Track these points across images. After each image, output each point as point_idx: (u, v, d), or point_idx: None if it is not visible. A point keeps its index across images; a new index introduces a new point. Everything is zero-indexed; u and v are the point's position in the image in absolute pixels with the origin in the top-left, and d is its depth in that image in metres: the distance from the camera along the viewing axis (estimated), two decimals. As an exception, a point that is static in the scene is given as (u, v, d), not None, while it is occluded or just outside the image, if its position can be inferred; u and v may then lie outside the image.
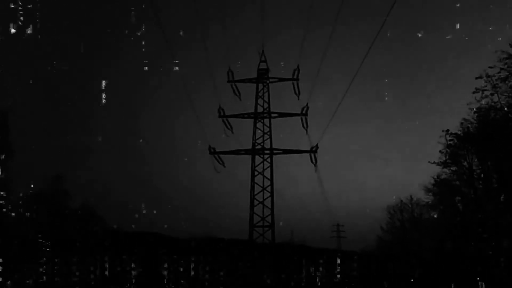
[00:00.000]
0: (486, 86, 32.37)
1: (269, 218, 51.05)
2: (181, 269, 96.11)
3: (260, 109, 54.02)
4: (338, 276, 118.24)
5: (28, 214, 57.53)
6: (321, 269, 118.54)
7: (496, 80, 31.73)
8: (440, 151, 40.77)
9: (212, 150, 52.07)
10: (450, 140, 40.05)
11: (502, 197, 37.23)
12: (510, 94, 32.06)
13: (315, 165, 53.15)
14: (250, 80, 55.10)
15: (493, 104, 33.08)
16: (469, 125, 37.96)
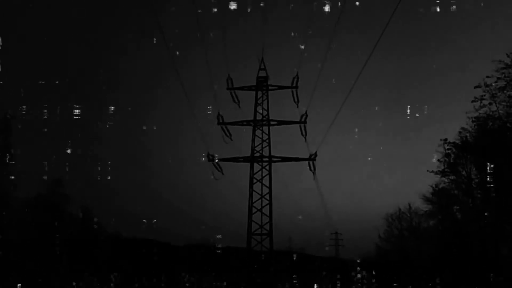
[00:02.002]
0: (484, 96, 32.57)
1: (267, 226, 51.02)
2: (177, 276, 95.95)
3: (259, 117, 54.12)
4: (339, 284, 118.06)
5: (28, 217, 57.44)
6: (322, 279, 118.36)
7: (494, 89, 31.91)
8: (438, 160, 40.89)
9: (210, 157, 52.14)
10: (448, 149, 40.18)
11: (501, 206, 37.26)
12: (508, 104, 32.21)
13: (314, 173, 53.25)
14: (249, 88, 55.25)
15: (491, 113, 33.25)
16: (467, 134, 38.08)
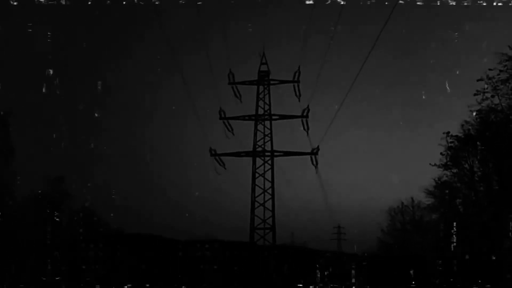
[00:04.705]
0: (487, 88, 32.42)
1: (270, 220, 51.08)
2: (181, 271, 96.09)
3: (261, 111, 54.10)
4: (341, 278, 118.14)
5: (29, 214, 57.49)
6: (324, 271, 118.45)
7: (496, 82, 31.78)
8: (441, 153, 40.75)
9: (213, 152, 52.14)
10: (451, 142, 40.02)
11: (503, 198, 37.20)
12: (511, 96, 32.10)
13: (316, 167, 53.22)
14: (251, 82, 55.19)
15: (493, 106, 33.14)
16: (470, 127, 37.98)
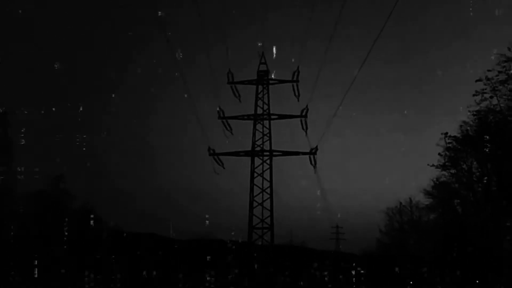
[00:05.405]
0: (485, 89, 32.48)
1: (268, 220, 51.20)
2: (179, 271, 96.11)
3: (260, 111, 54.18)
4: (339, 278, 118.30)
5: (30, 213, 57.46)
6: (323, 272, 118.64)
7: (495, 83, 31.83)
8: (439, 154, 40.78)
9: (211, 152, 52.23)
10: (449, 143, 40.04)
11: (501, 199, 37.27)
12: (509, 97, 32.16)
13: (315, 166, 53.35)
14: (250, 82, 55.26)
15: (492, 107, 33.20)
16: (468, 128, 38.00)
